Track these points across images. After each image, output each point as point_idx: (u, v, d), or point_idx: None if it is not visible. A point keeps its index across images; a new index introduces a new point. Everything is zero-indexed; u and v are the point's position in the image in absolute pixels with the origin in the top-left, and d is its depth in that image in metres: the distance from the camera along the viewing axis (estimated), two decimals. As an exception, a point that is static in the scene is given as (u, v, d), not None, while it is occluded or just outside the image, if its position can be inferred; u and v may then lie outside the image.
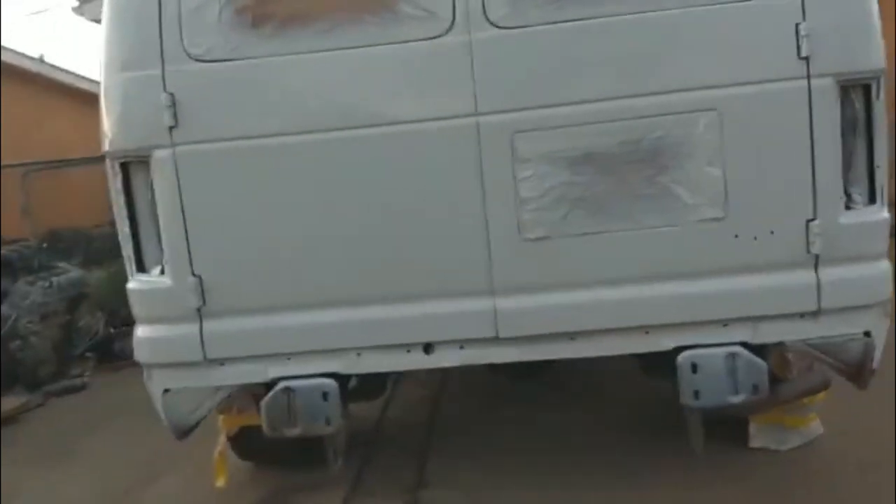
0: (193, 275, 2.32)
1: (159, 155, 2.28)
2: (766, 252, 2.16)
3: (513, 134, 2.17)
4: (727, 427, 3.00)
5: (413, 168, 2.23)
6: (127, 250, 2.42)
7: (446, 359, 2.32)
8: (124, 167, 2.36)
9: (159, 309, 2.39)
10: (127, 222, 2.40)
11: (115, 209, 2.42)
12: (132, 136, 2.31)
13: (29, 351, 5.75)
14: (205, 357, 2.37)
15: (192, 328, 2.35)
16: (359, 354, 2.35)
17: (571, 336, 2.27)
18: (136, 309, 2.44)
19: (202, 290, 2.32)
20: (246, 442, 3.09)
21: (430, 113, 2.20)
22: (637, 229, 2.18)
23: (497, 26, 2.15)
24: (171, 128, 2.26)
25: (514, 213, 2.20)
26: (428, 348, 2.33)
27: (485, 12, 2.15)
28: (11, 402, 5.21)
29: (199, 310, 2.34)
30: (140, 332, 2.43)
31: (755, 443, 3.13)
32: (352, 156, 2.24)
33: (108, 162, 2.39)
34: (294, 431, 2.34)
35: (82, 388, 5.64)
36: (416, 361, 2.33)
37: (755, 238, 2.15)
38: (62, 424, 4.74)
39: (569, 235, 2.20)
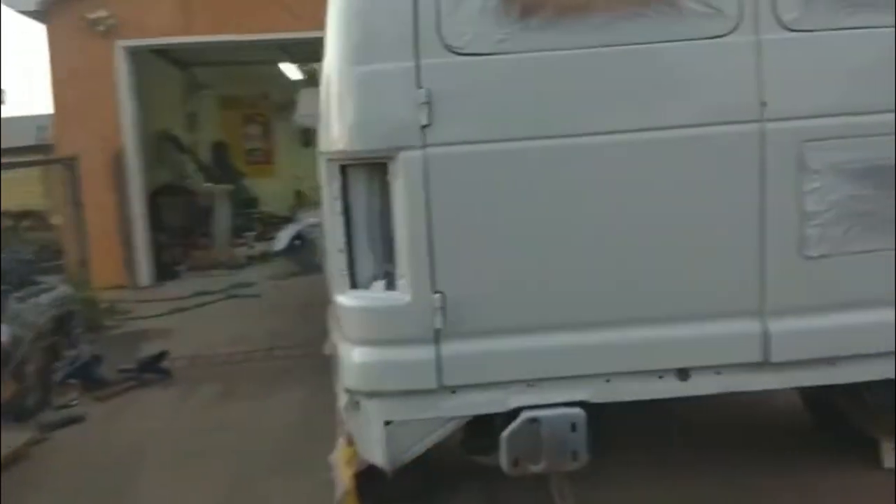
0: (436, 291, 2.06)
1: (408, 156, 2.01)
2: None
3: (801, 143, 2.04)
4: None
5: (686, 176, 2.06)
6: (339, 263, 2.14)
7: (703, 386, 2.15)
8: (343, 170, 2.10)
9: (390, 329, 2.11)
10: (343, 232, 2.13)
11: (326, 217, 2.14)
12: (376, 134, 2.04)
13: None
14: (440, 384, 2.10)
15: (427, 351, 2.08)
16: (608, 381, 2.14)
17: (830, 361, 2.14)
18: (353, 329, 2.15)
19: (445, 309, 2.06)
20: (375, 482, 2.80)
21: (709, 117, 2.04)
22: None
23: (788, 28, 2.03)
24: (423, 127, 2.01)
25: (796, 228, 2.06)
26: (683, 374, 2.14)
27: (775, 13, 2.02)
28: (12, 436, 4.64)
29: (438, 330, 2.08)
30: (356, 355, 2.14)
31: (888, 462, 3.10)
32: (615, 162, 2.05)
33: (324, 164, 2.12)
34: (537, 467, 2.10)
35: (82, 419, 5.11)
36: (670, 389, 2.15)
37: None
38: (88, 459, 4.23)
39: (848, 253, 2.08)
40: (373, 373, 2.12)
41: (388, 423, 2.12)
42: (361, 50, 2.03)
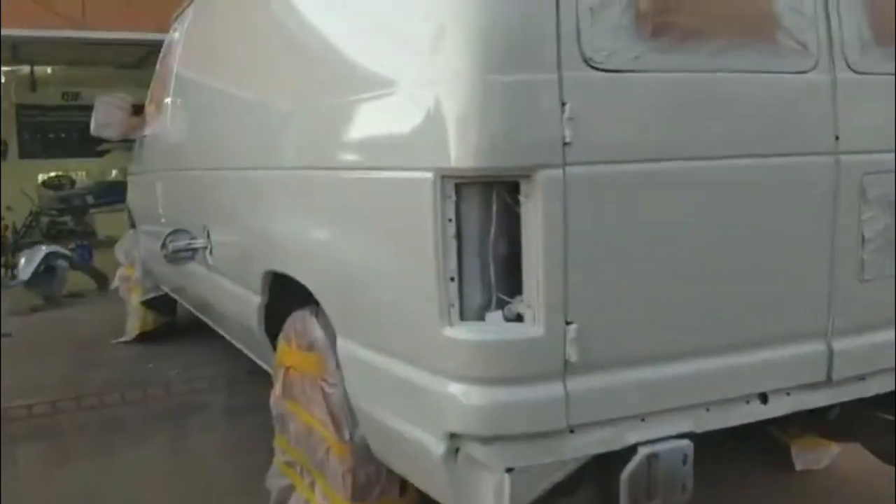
0: (568, 321, 1.89)
1: (547, 175, 1.83)
2: None
3: (863, 175, 2.21)
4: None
5: (777, 203, 2.13)
6: (448, 292, 1.88)
7: (778, 408, 2.22)
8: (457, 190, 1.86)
9: (518, 365, 1.88)
10: (455, 258, 1.88)
11: (433, 242, 1.87)
12: (513, 151, 1.83)
13: None
14: (567, 424, 1.92)
15: (556, 388, 1.89)
16: (708, 409, 2.11)
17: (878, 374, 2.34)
18: (468, 365, 1.89)
19: (579, 341, 1.89)
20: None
21: (796, 148, 2.14)
22: None
23: (853, 70, 2.20)
24: (565, 144, 1.84)
25: (857, 252, 2.23)
26: (764, 398, 2.20)
27: (843, 54, 2.18)
28: None
29: (569, 364, 1.90)
30: (473, 395, 1.88)
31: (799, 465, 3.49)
32: (733, 189, 2.06)
33: (434, 182, 1.86)
34: (653, 504, 2.01)
35: None
36: (754, 413, 2.18)
37: None
38: None
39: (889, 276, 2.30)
40: (496, 414, 1.88)
41: (509, 470, 1.90)
42: (499, 58, 1.82)
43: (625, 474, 1.96)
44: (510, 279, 1.91)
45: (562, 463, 1.96)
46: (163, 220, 4.92)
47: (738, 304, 2.12)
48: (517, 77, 1.82)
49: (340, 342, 2.42)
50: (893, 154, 2.26)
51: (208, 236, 3.84)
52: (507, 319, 1.90)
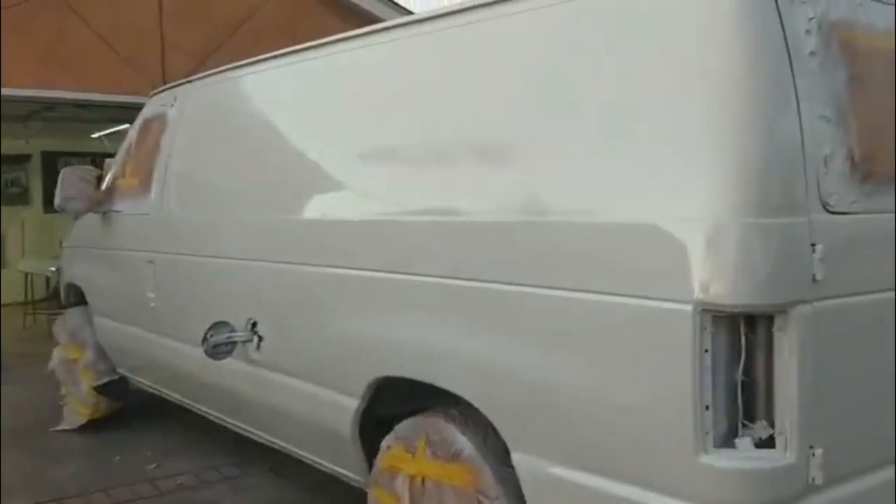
0: (811, 447, 2.04)
1: (801, 310, 2.00)
2: None
3: None
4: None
5: None
6: (703, 420, 2.00)
7: None
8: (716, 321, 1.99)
9: (770, 491, 2.01)
10: (711, 386, 2.00)
11: (690, 371, 1.98)
12: (772, 288, 1.99)
13: None
14: (808, 550, 2.06)
15: None
16: None
17: None
18: (725, 491, 2.00)
19: (824, 466, 2.05)
20: None
21: None
22: None
23: None
24: (815, 281, 2.02)
25: None
26: None
27: None
28: None
29: (814, 488, 2.05)
30: None
31: None
32: None
33: (693, 315, 1.97)
34: None
35: None
36: None
37: None
38: None
39: None
40: None
41: None
42: (757, 203, 1.99)
43: None
44: (750, 406, 2.05)
45: None
46: (153, 305, 4.64)
47: None
48: (774, 221, 1.99)
49: (521, 458, 2.43)
50: None
51: (253, 329, 3.69)
52: (756, 446, 2.03)
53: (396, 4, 9.95)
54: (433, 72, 2.93)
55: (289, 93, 3.81)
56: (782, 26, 2.09)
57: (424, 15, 3.06)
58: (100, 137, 11.23)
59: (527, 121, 2.53)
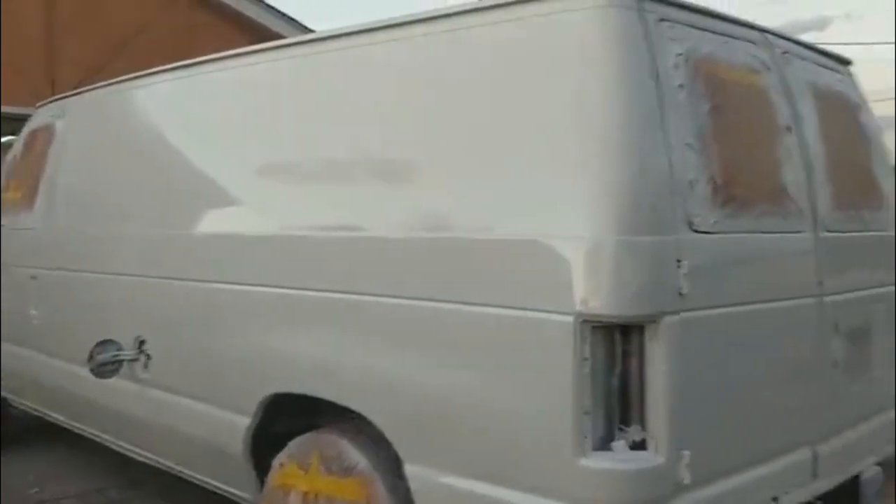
0: (683, 448, 2.20)
1: (670, 321, 2.17)
2: None
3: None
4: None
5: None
6: (583, 425, 2.13)
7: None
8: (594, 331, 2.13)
9: (642, 490, 2.15)
10: (590, 392, 2.12)
11: (571, 379, 2.10)
12: (644, 300, 2.15)
13: None
14: (676, 539, 2.21)
15: None
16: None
17: None
18: (599, 491, 2.13)
19: (692, 466, 2.20)
20: None
21: (796, 292, 2.66)
22: None
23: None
24: (681, 294, 2.19)
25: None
26: (776, 500, 2.63)
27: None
28: None
29: (681, 487, 2.20)
30: None
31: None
32: (773, 324, 2.57)
33: (575, 325, 2.10)
34: None
35: None
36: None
37: None
38: None
39: None
40: None
41: None
42: (632, 223, 2.15)
43: None
44: (625, 411, 2.19)
45: None
46: (35, 323, 4.48)
47: (779, 420, 2.60)
48: (645, 239, 2.16)
49: (413, 469, 2.50)
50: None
51: (141, 347, 3.63)
52: (630, 448, 2.17)
53: (295, 21, 9.95)
54: (329, 89, 2.99)
55: (181, 107, 3.78)
56: (653, 60, 2.27)
57: (324, 34, 3.12)
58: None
59: (419, 141, 2.63)
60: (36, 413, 5.01)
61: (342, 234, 2.81)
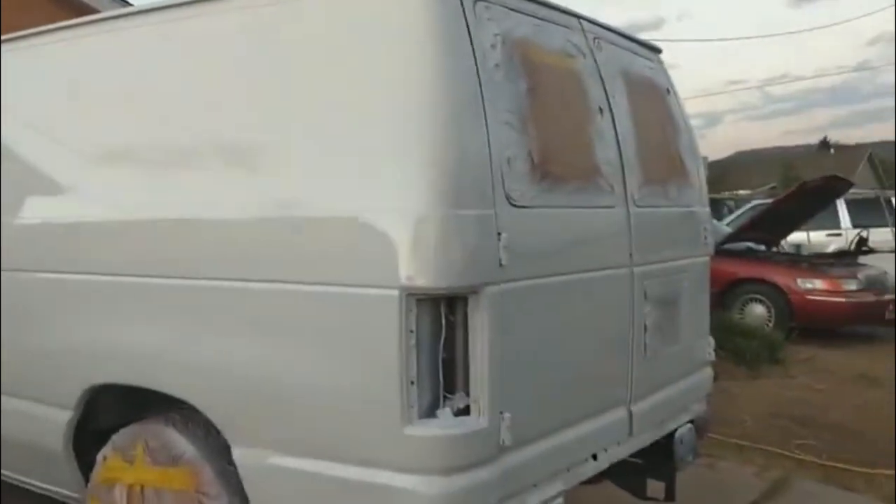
0: (503, 412, 2.29)
1: (490, 291, 2.24)
2: None
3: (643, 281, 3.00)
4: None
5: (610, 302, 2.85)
6: (409, 394, 2.19)
7: (602, 463, 2.83)
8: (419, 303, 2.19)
9: (468, 453, 2.23)
10: (416, 363, 2.18)
11: (396, 350, 2.14)
12: (464, 271, 2.21)
13: None
14: (499, 499, 2.30)
15: (493, 469, 2.28)
16: (568, 471, 2.65)
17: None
18: (428, 458, 2.19)
19: (511, 428, 2.30)
20: None
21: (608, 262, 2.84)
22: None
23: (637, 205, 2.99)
24: (501, 266, 2.27)
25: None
26: (595, 457, 2.80)
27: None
28: None
29: (503, 448, 2.29)
30: (433, 485, 2.17)
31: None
32: (589, 292, 2.73)
33: (400, 298, 2.15)
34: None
35: None
36: (591, 469, 2.78)
37: None
38: None
39: None
40: (450, 500, 2.19)
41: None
42: (453, 196, 2.20)
43: None
44: (450, 379, 2.26)
45: None
46: None
47: (595, 382, 2.76)
48: (466, 212, 2.22)
49: (241, 453, 2.46)
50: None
51: None
52: (455, 415, 2.24)
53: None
54: (159, 66, 2.86)
55: (6, 83, 3.50)
56: (471, 40, 2.34)
57: (149, 6, 2.96)
58: None
59: (247, 119, 2.57)
60: None
61: (159, 215, 2.71)
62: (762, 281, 9.15)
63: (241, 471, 2.47)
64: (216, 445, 2.56)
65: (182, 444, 2.62)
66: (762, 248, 10.21)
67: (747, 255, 9.81)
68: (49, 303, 3.01)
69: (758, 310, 9.09)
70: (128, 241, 2.78)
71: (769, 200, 12.10)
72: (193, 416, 2.62)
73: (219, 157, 2.64)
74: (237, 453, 2.48)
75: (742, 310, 9.10)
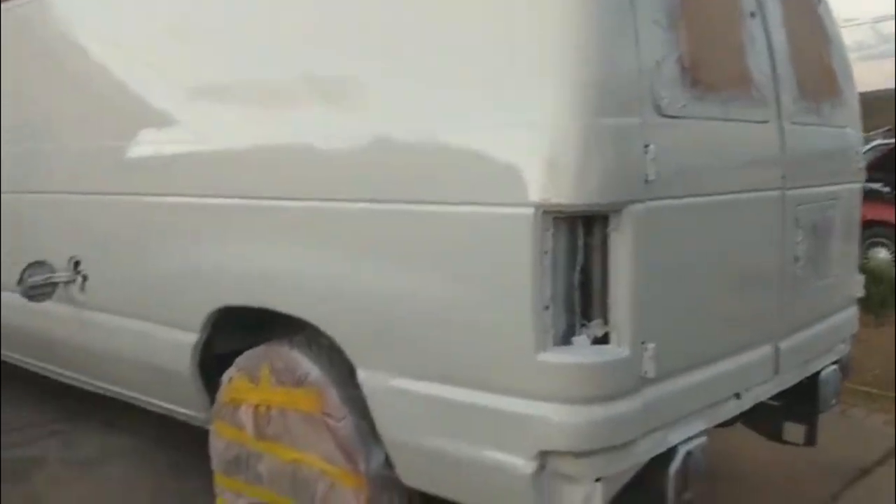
0: (646, 342, 2.12)
1: (634, 209, 2.05)
2: None
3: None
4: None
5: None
6: (543, 320, 2.03)
7: (746, 402, 2.63)
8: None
9: (607, 384, 2.07)
10: (550, 287, 2.02)
11: (530, 273, 1.99)
12: (607, 188, 2.02)
13: None
14: (643, 433, 2.14)
15: (635, 402, 2.12)
16: (711, 408, 2.46)
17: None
18: (563, 387, 2.05)
19: (656, 359, 2.13)
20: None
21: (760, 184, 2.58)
22: None
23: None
24: (647, 181, 2.07)
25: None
26: (738, 395, 2.60)
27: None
28: None
29: (646, 380, 2.13)
30: (567, 414, 2.03)
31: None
32: (741, 215, 2.50)
33: (535, 217, 1.99)
34: (688, 497, 2.30)
35: None
36: (735, 408, 2.58)
37: None
38: None
39: None
40: (591, 430, 2.05)
41: (598, 479, 2.08)
42: (595, 104, 2.00)
43: (672, 471, 2.25)
44: (587, 305, 2.10)
45: (634, 467, 2.18)
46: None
47: (742, 315, 2.54)
48: (609, 121, 2.02)
49: (366, 375, 2.39)
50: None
51: (76, 269, 3.43)
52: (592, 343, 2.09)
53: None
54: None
55: (111, 12, 3.49)
56: None
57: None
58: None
59: (372, 38, 2.43)
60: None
61: (287, 140, 2.62)
62: (886, 224, 8.54)
63: (366, 393, 2.41)
64: (340, 368, 2.50)
65: (307, 365, 2.58)
66: (886, 189, 9.52)
67: (870, 196, 9.15)
68: (174, 226, 3.00)
69: (882, 253, 8.51)
70: (257, 165, 2.71)
71: (890, 141, 11.29)
72: (317, 338, 2.56)
73: (348, 80, 2.51)
74: (362, 375, 2.41)
75: (866, 254, 8.53)
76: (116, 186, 3.23)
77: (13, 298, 3.56)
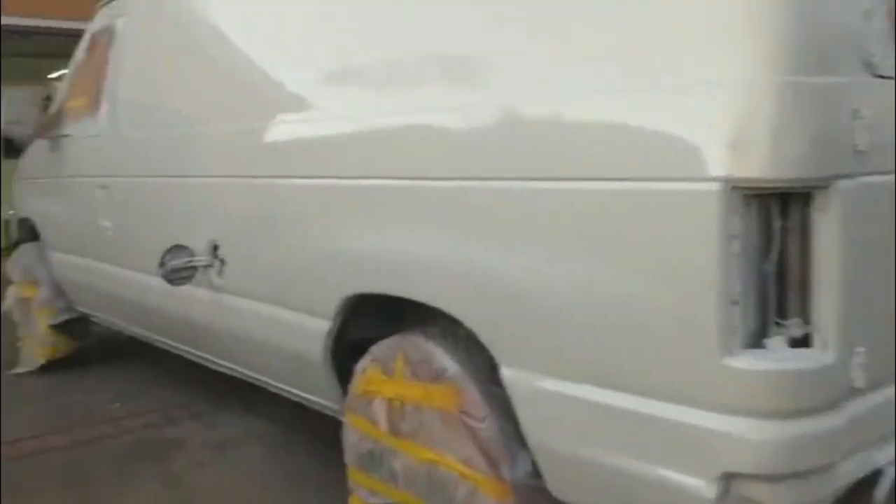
0: (855, 345, 1.77)
1: (845, 186, 1.69)
2: None
3: None
4: None
5: None
6: (730, 317, 1.70)
7: None
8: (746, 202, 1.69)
9: (808, 396, 1.73)
10: (738, 278, 1.70)
11: (716, 262, 1.68)
12: (810, 160, 1.67)
13: None
14: (846, 454, 1.80)
15: (841, 417, 1.77)
16: None
17: None
18: (752, 397, 1.71)
19: (866, 366, 1.77)
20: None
21: None
22: None
23: None
24: (858, 152, 1.71)
25: None
26: None
27: None
28: None
29: (854, 391, 1.78)
30: (759, 430, 1.70)
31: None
32: None
33: (721, 195, 1.66)
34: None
35: None
36: None
37: None
38: None
39: None
40: (789, 450, 1.71)
41: (790, 509, 1.75)
42: (794, 59, 1.66)
43: (878, 497, 1.88)
44: (783, 300, 1.77)
45: (834, 494, 1.83)
46: (108, 234, 4.29)
47: None
48: (815, 80, 1.67)
49: (511, 374, 2.15)
50: None
51: (215, 253, 3.37)
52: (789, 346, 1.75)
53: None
54: None
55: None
56: None
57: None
58: (59, 77, 10.51)
59: (523, 20, 2.16)
60: (115, 328, 4.92)
61: (423, 119, 2.40)
62: None
63: (511, 394, 2.16)
64: (480, 364, 2.27)
65: (444, 359, 2.36)
66: None
67: None
68: (309, 210, 2.86)
69: None
70: (393, 144, 2.51)
71: None
72: (454, 330, 2.34)
73: (493, 54, 2.26)
74: (507, 374, 2.16)
75: None
76: (254, 169, 3.13)
77: (154, 283, 3.56)
